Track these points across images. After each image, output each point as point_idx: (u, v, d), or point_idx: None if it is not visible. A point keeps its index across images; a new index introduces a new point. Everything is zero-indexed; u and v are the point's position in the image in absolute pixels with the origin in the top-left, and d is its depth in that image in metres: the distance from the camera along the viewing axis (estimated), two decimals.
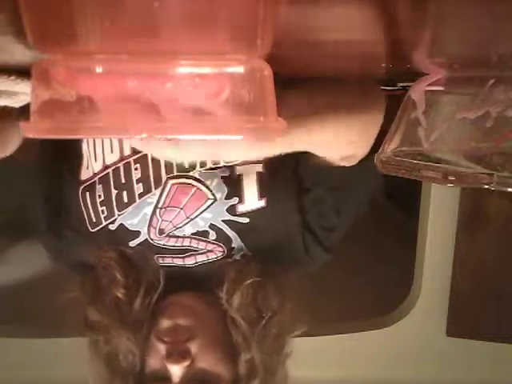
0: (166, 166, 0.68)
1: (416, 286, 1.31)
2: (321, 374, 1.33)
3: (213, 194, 0.68)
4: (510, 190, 0.33)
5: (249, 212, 0.69)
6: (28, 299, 1.33)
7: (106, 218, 0.70)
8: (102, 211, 0.70)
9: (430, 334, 1.31)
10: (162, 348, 0.67)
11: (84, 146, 0.70)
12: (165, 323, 0.68)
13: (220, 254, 0.72)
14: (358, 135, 0.62)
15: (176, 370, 0.65)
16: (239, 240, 0.71)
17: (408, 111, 0.42)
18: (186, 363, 0.65)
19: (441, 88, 0.41)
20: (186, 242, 0.71)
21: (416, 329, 1.31)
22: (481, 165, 0.35)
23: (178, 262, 0.73)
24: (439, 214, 1.23)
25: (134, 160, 0.68)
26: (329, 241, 0.75)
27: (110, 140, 0.68)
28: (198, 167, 0.68)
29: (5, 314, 1.27)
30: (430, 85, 0.42)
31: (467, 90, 0.39)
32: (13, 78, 0.49)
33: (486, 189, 0.34)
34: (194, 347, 0.67)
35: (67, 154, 0.71)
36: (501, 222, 1.18)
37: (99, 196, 0.70)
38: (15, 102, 0.54)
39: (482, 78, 0.37)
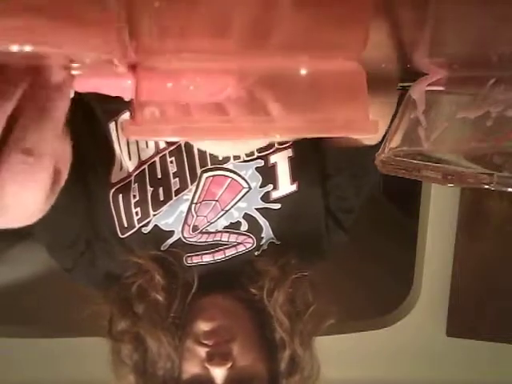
0: (199, 158, 0.67)
1: (416, 286, 1.31)
2: (320, 374, 1.33)
3: (248, 183, 0.68)
4: (510, 189, 0.33)
5: (281, 198, 0.70)
6: (28, 299, 1.34)
7: (139, 221, 0.69)
8: (136, 213, 0.68)
9: (430, 333, 1.31)
10: (201, 352, 0.65)
11: (116, 147, 0.68)
12: (203, 326, 0.67)
13: (249, 246, 0.72)
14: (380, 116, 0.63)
15: (219, 373, 0.64)
16: (269, 228, 0.72)
17: (408, 111, 0.42)
18: (229, 365, 0.64)
19: (441, 88, 0.41)
20: (217, 237, 0.71)
21: (416, 329, 1.31)
22: (481, 165, 0.35)
23: (207, 258, 0.72)
24: (439, 214, 1.23)
25: (169, 152, 0.67)
26: (347, 222, 0.76)
27: None
28: (231, 159, 0.67)
29: (5, 314, 1.27)
30: (430, 85, 0.42)
31: (467, 90, 0.39)
32: None
33: (486, 189, 0.34)
34: (235, 348, 0.66)
35: (93, 161, 0.68)
36: (501, 221, 1.18)
37: (134, 196, 0.68)
38: None
39: (482, 78, 0.37)
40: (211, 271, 0.72)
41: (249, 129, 0.31)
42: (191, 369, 0.66)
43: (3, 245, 1.56)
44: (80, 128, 0.55)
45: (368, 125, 0.33)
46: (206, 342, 0.66)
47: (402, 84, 0.66)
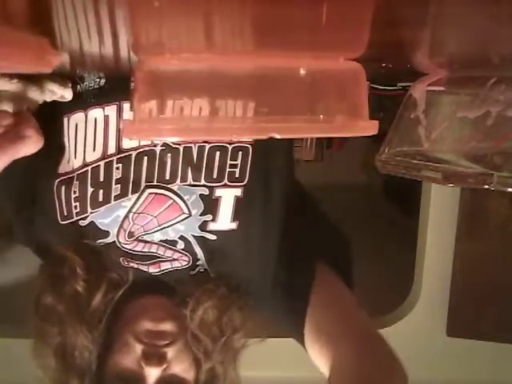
0: (147, 172, 0.68)
1: (416, 285, 1.31)
2: (321, 374, 1.33)
3: (188, 210, 0.69)
4: (510, 189, 0.33)
5: (218, 231, 0.70)
6: (27, 299, 1.33)
7: (77, 214, 0.70)
8: (75, 207, 0.69)
9: (429, 333, 1.31)
10: (138, 349, 0.67)
11: (65, 141, 0.68)
12: (147, 325, 0.68)
13: (185, 264, 0.72)
14: None
15: (153, 373, 0.66)
16: (204, 258, 0.72)
17: (408, 111, 0.42)
18: (164, 367, 0.66)
19: (441, 88, 0.41)
20: (153, 249, 0.71)
21: (416, 329, 1.31)
22: (481, 165, 0.35)
23: (143, 268, 0.73)
24: (439, 213, 1.23)
25: (116, 159, 0.68)
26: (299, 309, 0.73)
27: (94, 138, 0.67)
28: (178, 181, 0.68)
29: (4, 313, 1.27)
30: (430, 85, 0.42)
31: (467, 90, 0.39)
32: (15, 81, 0.49)
33: (486, 189, 0.34)
34: (170, 352, 0.67)
35: (48, 146, 0.66)
36: (501, 221, 1.18)
37: (74, 192, 0.69)
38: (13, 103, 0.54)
39: (482, 78, 0.37)
40: (148, 278, 0.73)
41: (248, 129, 0.31)
42: (125, 363, 0.67)
43: (3, 245, 1.56)
44: (38, 112, 0.57)
45: (367, 125, 0.33)
46: (146, 340, 0.67)
47: (401, 84, 0.66)
